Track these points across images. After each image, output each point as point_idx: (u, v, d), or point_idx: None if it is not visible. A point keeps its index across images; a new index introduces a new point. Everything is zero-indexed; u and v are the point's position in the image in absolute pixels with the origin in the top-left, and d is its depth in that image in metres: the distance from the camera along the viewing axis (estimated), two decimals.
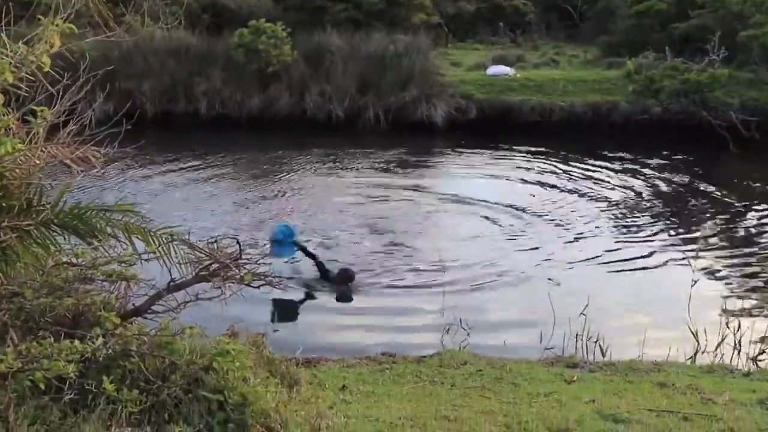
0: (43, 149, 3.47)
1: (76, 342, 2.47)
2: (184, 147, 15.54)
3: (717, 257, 9.47)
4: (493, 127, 16.81)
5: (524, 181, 13.14)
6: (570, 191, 12.52)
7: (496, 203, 11.55)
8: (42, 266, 3.13)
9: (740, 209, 11.59)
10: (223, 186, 12.68)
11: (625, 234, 10.48)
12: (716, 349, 6.43)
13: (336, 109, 17.32)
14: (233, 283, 3.18)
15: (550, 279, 8.28)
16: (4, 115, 3.20)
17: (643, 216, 11.32)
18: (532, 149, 15.75)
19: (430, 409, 3.42)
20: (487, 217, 10.81)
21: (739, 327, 6.70)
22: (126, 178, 12.70)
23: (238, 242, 3.28)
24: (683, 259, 9.23)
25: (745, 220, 11.12)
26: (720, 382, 4.41)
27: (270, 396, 2.96)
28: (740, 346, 6.54)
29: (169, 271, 3.25)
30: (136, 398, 2.65)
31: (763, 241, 10.24)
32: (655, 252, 9.66)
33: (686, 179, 13.73)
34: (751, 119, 15.33)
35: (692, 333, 6.73)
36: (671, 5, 20.08)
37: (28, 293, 2.80)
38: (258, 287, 3.31)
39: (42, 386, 2.62)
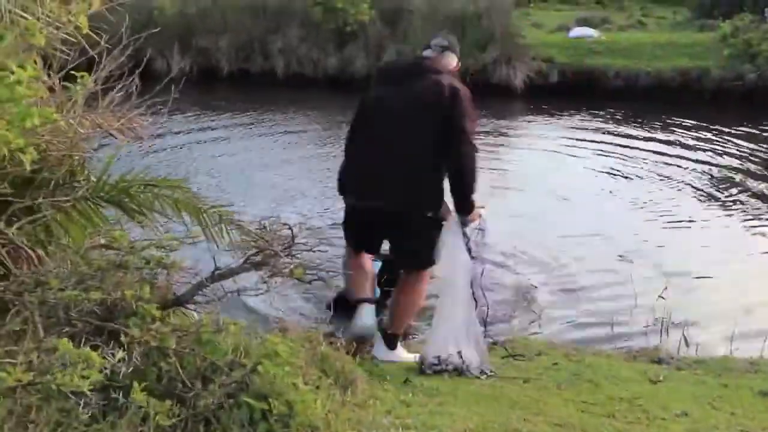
0: (86, 118, 3.20)
1: (93, 355, 2.18)
2: (258, 106, 15.33)
3: None
4: (575, 93, 16.12)
5: (603, 153, 12.51)
6: (654, 163, 11.86)
7: (568, 174, 11.03)
8: (78, 249, 2.87)
9: None
10: (294, 149, 12.38)
11: (710, 211, 9.80)
12: None
13: None
14: (282, 276, 2.87)
15: (621, 256, 7.72)
16: (40, 81, 2.93)
17: (731, 190, 10.61)
18: (617, 116, 15.06)
19: (499, 418, 3.06)
20: (558, 190, 10.26)
21: None
22: (190, 140, 12.54)
23: (290, 228, 2.96)
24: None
25: None
26: None
27: (320, 403, 2.65)
28: None
29: (213, 258, 2.95)
30: (168, 410, 2.36)
31: None
32: (742, 229, 9.02)
33: None
34: None
35: None
36: None
37: (54, 282, 2.53)
38: (309, 282, 3.01)
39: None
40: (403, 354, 4.69)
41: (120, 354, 2.31)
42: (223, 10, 18.02)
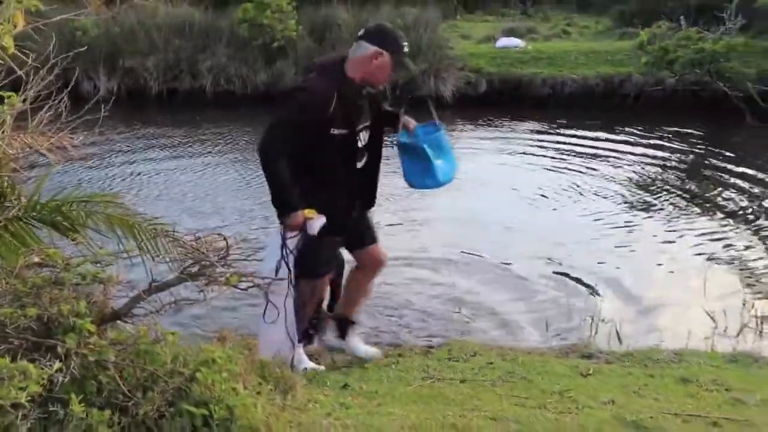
0: (14, 138, 3.21)
1: (30, 366, 2.21)
2: (187, 125, 15.30)
3: (734, 234, 9.14)
4: (503, 101, 16.50)
5: (533, 157, 12.83)
6: (579, 165, 12.20)
7: (501, 180, 11.28)
8: (12, 269, 2.88)
9: (757, 183, 11.24)
10: (227, 173, 12.37)
11: (636, 209, 10.14)
12: (738, 335, 6.15)
13: None
14: (218, 285, 2.93)
15: (549, 259, 7.93)
16: None
17: (655, 191, 10.99)
18: (544, 123, 15.44)
19: (435, 415, 3.17)
20: (489, 195, 10.51)
21: (756, 309, 6.45)
22: (123, 162, 12.46)
23: (224, 239, 3.02)
24: (698, 236, 8.92)
25: (763, 194, 10.77)
26: (746, 375, 4.14)
27: (260, 407, 2.71)
28: (762, 329, 6.27)
29: (149, 271, 2.99)
30: (107, 420, 2.40)
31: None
32: (667, 228, 9.32)
33: (701, 152, 13.38)
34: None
35: (710, 316, 6.47)
36: None
37: None
38: (246, 289, 3.06)
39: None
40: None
41: (57, 365, 2.33)
42: (149, 30, 17.91)
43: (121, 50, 17.62)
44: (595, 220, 9.53)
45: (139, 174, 11.54)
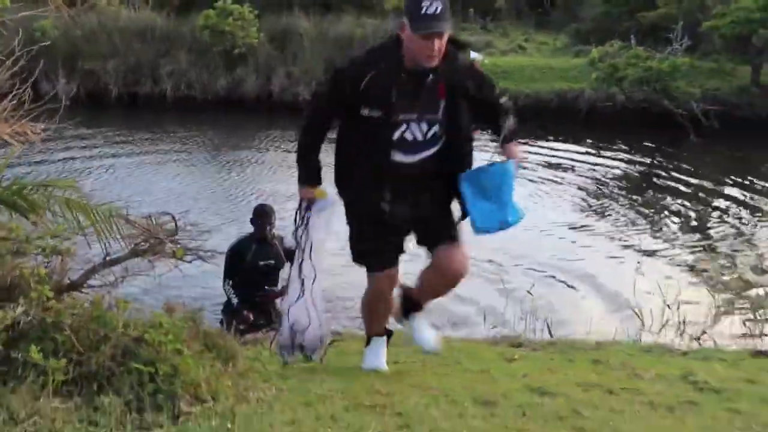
0: None
1: None
2: (146, 128, 15.52)
3: (669, 240, 9.66)
4: None
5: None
6: (529, 176, 12.64)
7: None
8: None
9: (695, 197, 11.80)
10: (184, 167, 12.66)
11: (584, 216, 10.67)
12: (660, 331, 6.59)
13: (302, 92, 17.32)
14: (166, 257, 3.23)
15: (490, 261, 8.30)
16: None
17: (601, 200, 11.51)
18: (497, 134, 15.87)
19: (365, 384, 3.50)
20: None
21: (680, 309, 6.90)
22: (84, 156, 12.69)
23: (173, 218, 3.32)
24: (633, 243, 9.40)
25: (698, 207, 11.32)
26: (655, 360, 4.53)
27: (202, 368, 3.02)
28: (684, 327, 6.71)
29: (105, 247, 3.29)
30: (63, 367, 2.70)
31: (712, 228, 10.44)
32: (610, 235, 9.83)
33: (646, 167, 13.94)
34: (711, 108, 15.53)
35: (637, 314, 6.91)
36: None
37: None
38: (190, 261, 3.37)
39: None
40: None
41: (20, 309, 2.62)
42: (110, 33, 18.07)
43: (81, 52, 17.75)
44: (544, 225, 9.96)
45: (97, 167, 11.86)
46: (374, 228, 3.99)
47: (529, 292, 7.42)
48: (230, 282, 6.34)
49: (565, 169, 13.28)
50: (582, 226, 10.14)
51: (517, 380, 3.68)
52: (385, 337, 4.34)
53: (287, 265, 6.52)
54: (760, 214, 11.03)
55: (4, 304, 2.87)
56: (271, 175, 12.49)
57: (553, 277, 8.17)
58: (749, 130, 15.40)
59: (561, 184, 12.27)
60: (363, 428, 2.98)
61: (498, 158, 4.11)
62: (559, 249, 9.10)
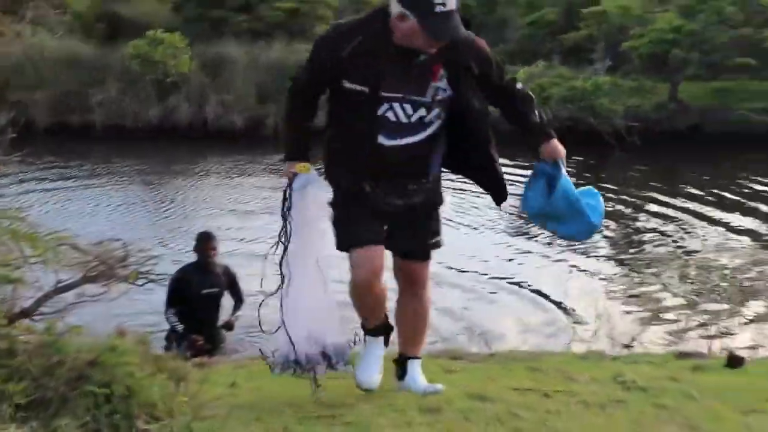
0: None
1: None
2: (79, 158, 15.39)
3: (596, 255, 10.04)
4: None
5: None
6: (454, 196, 12.96)
7: None
8: None
9: (621, 210, 12.27)
10: (120, 196, 12.62)
11: (515, 233, 10.99)
12: (591, 337, 6.90)
13: (236, 120, 17.40)
14: (119, 282, 3.33)
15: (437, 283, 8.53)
16: None
17: (529, 220, 11.86)
18: None
19: (311, 398, 3.64)
20: None
21: (610, 319, 7.22)
22: (17, 190, 12.54)
23: (124, 244, 3.43)
24: (564, 259, 9.75)
25: (625, 220, 11.79)
26: (587, 365, 4.77)
27: (155, 389, 3.12)
28: (614, 335, 7.03)
29: (56, 274, 3.37)
30: (23, 389, 2.77)
31: (639, 240, 10.90)
32: (540, 251, 10.16)
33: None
34: (634, 125, 16.16)
35: (570, 325, 7.21)
36: (560, 16, 20.97)
37: None
38: (142, 285, 3.46)
39: None
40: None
41: None
42: (37, 64, 17.88)
43: (8, 83, 17.52)
44: (476, 243, 10.25)
45: (36, 200, 11.78)
46: (358, 210, 3.59)
47: (465, 308, 7.65)
48: (173, 310, 6.39)
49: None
50: (511, 245, 10.46)
51: (459, 388, 3.86)
52: (381, 339, 3.89)
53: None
54: (683, 224, 11.54)
55: None
56: (210, 201, 12.56)
57: (490, 292, 8.45)
58: (669, 143, 16.08)
59: (484, 203, 12.60)
60: None
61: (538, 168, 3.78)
62: (491, 267, 9.39)
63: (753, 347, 6.89)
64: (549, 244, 10.27)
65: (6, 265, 3.31)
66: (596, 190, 3.88)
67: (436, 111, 3.49)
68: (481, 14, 25.90)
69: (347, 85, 3.41)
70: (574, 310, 7.79)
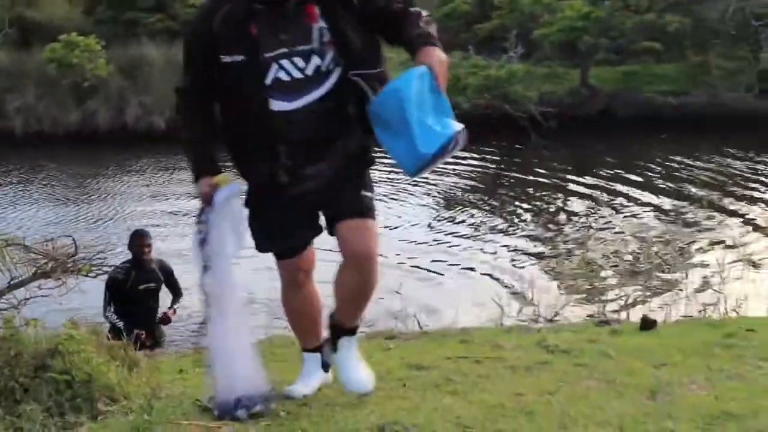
0: None
1: None
2: (5, 163, 15.23)
3: (521, 237, 10.50)
4: None
5: None
6: (383, 183, 13.28)
7: None
8: None
9: (541, 192, 12.78)
10: (48, 199, 12.57)
11: (438, 221, 11.38)
12: (518, 315, 7.27)
13: (157, 121, 17.33)
14: (71, 275, 3.49)
15: None
16: None
17: (455, 204, 12.28)
18: None
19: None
20: None
21: (535, 296, 7.62)
22: None
23: (73, 240, 3.59)
24: (491, 240, 10.17)
25: (545, 201, 12.29)
26: (516, 337, 5.10)
27: (112, 374, 3.31)
28: (539, 310, 7.41)
29: (9, 272, 3.51)
30: None
31: (559, 219, 11.39)
32: (467, 236, 10.57)
33: (494, 169, 14.89)
34: (548, 110, 16.72)
35: (498, 304, 7.56)
36: (474, 6, 21.43)
37: None
38: (95, 276, 3.63)
39: None
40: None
41: None
42: None
43: None
44: (405, 226, 10.60)
45: None
46: (276, 205, 3.20)
47: (397, 291, 7.94)
48: (112, 308, 6.49)
49: (425, 177, 14.00)
50: (437, 231, 10.84)
51: (395, 361, 4.14)
52: (317, 356, 3.50)
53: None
54: (600, 203, 12.11)
55: None
56: (137, 201, 12.63)
57: (418, 274, 8.79)
58: (582, 127, 16.72)
59: (418, 186, 12.98)
60: None
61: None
62: (420, 249, 9.74)
63: (665, 311, 7.36)
64: (473, 229, 10.68)
65: None
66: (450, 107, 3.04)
67: (330, 56, 3.04)
68: None
69: (225, 59, 3.00)
70: (499, 290, 8.19)
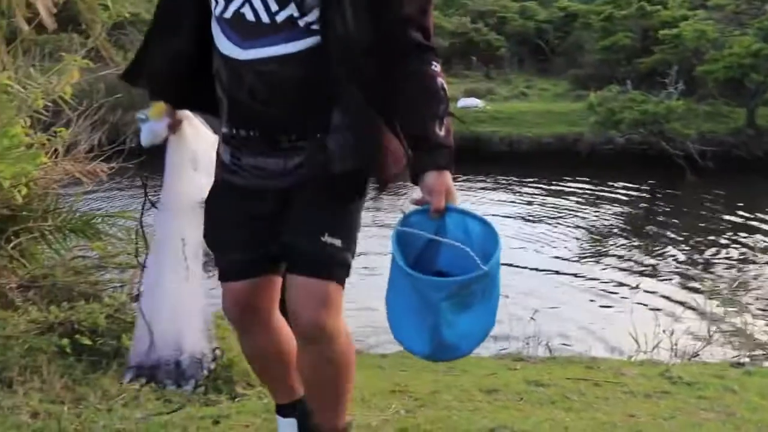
0: (60, 164, 4.19)
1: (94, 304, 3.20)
2: None
3: (664, 276, 10.31)
4: (462, 157, 17.60)
5: (491, 207, 13.92)
6: (534, 217, 13.32)
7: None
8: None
9: (692, 235, 12.46)
10: None
11: (587, 255, 11.33)
12: (652, 351, 7.16)
13: None
14: None
15: (506, 296, 8.90)
16: (30, 135, 3.91)
17: (603, 239, 12.16)
18: (501, 178, 16.56)
19: None
20: None
21: (674, 335, 7.49)
22: None
23: None
24: (633, 276, 10.04)
25: (698, 244, 11.97)
26: (641, 367, 5.10)
27: None
28: (675, 348, 7.27)
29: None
30: None
31: (711, 264, 11.08)
32: (609, 271, 10.48)
33: (645, 206, 14.61)
34: (707, 149, 16.21)
35: (634, 339, 7.48)
36: (636, 40, 21.09)
37: (59, 272, 3.52)
38: None
39: (68, 350, 3.31)
40: None
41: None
42: None
43: None
44: (551, 263, 10.65)
45: None
46: (227, 190, 2.38)
47: (532, 318, 7.99)
48: None
49: (564, 211, 13.95)
50: (582, 265, 10.81)
51: (517, 376, 4.28)
52: (293, 424, 2.58)
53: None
54: (754, 249, 11.67)
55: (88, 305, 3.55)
56: None
57: (555, 307, 8.80)
58: (744, 170, 16.08)
59: (563, 218, 12.96)
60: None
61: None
62: (564, 284, 9.79)
63: None
64: (626, 271, 10.57)
65: (128, 254, 3.92)
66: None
67: (315, 13, 2.15)
68: (556, 39, 26.26)
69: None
70: (642, 322, 8.06)
